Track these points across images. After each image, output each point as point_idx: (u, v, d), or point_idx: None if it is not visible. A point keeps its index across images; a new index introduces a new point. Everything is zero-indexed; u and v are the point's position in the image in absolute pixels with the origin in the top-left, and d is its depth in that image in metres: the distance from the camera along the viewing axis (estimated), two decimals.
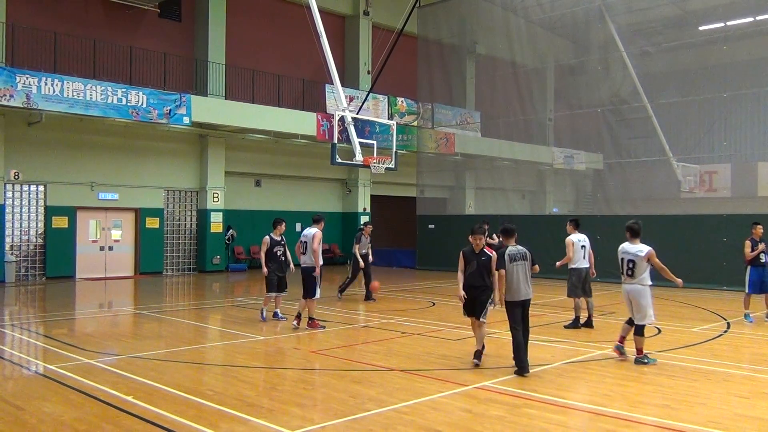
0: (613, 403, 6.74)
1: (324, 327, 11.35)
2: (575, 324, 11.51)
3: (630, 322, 8.86)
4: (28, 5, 20.17)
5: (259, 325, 11.74)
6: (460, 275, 8.51)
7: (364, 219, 27.74)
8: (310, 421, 6.14)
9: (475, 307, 8.41)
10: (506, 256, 8.13)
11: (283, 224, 12.16)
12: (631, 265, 8.70)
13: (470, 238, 8.56)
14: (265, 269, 11.89)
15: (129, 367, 8.29)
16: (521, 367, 7.92)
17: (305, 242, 11.29)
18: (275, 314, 12.20)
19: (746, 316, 12.40)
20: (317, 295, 11.26)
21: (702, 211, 21.67)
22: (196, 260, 23.89)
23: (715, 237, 18.52)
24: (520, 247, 8.29)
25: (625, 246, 8.87)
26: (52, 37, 19.51)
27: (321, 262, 11.33)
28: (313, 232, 11.28)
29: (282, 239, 12.09)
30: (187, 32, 23.87)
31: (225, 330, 11.64)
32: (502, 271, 8.07)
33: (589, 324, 11.56)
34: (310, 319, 11.30)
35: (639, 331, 8.68)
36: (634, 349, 8.72)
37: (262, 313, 12.26)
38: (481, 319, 8.42)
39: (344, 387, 7.40)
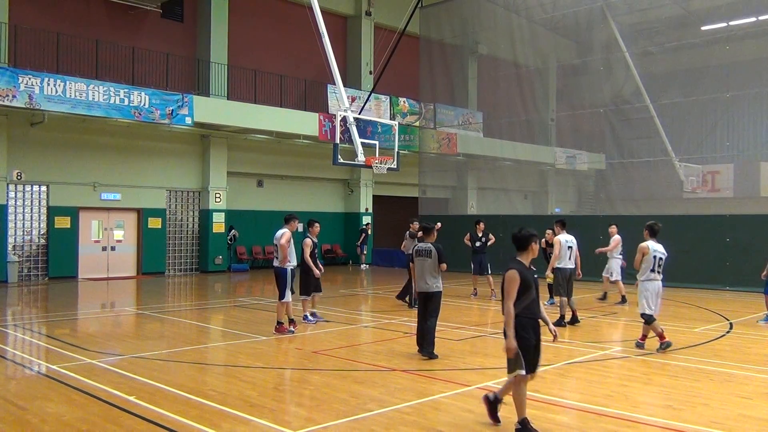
0: (615, 404, 6.73)
1: (293, 332, 10.86)
2: (560, 322, 11.59)
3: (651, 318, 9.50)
4: (30, 6, 20.20)
5: (262, 326, 11.72)
6: (512, 310, 5.63)
7: (366, 219, 27.81)
8: (312, 421, 6.14)
9: (539, 353, 5.83)
10: (413, 251, 8.94)
11: (318, 225, 11.95)
12: (661, 263, 9.42)
13: (532, 245, 5.86)
14: (317, 270, 11.49)
15: (131, 367, 8.30)
16: (422, 349, 8.83)
17: (276, 244, 11.00)
18: (313, 314, 11.98)
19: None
20: (286, 298, 10.90)
21: (704, 211, 21.64)
22: (198, 260, 23.90)
23: (717, 237, 18.50)
24: (429, 245, 9.04)
25: (653, 244, 9.47)
26: (54, 38, 19.53)
27: (293, 262, 11.03)
28: (282, 231, 10.96)
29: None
30: (190, 32, 23.88)
31: (227, 330, 11.64)
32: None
33: (574, 320, 11.64)
34: (279, 323, 10.95)
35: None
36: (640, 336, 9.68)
37: (307, 317, 11.86)
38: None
39: (346, 387, 7.40)
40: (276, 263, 11.04)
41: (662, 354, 9.16)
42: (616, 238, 15.12)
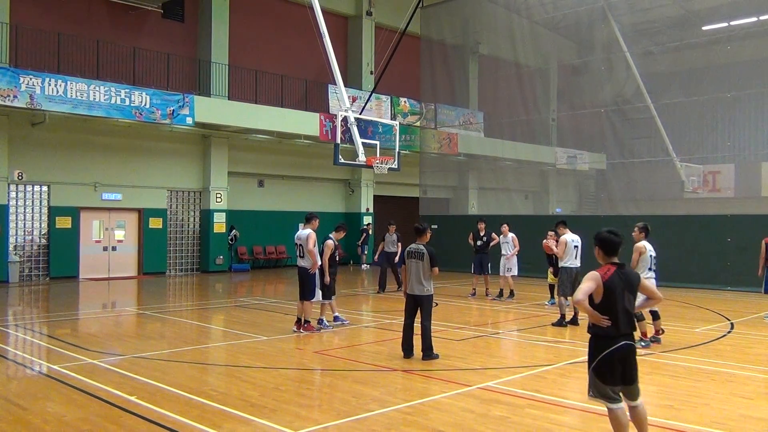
0: None
1: (320, 330, 11.03)
2: (560, 322, 11.63)
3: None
4: (31, 6, 20.20)
5: (263, 326, 11.73)
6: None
7: (366, 219, 27.82)
8: (313, 421, 6.14)
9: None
10: (405, 252, 8.96)
11: (343, 232, 11.81)
12: (655, 261, 9.94)
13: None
14: (327, 277, 11.01)
15: (132, 367, 8.31)
16: (405, 350, 8.85)
17: (300, 244, 10.83)
18: (336, 318, 11.69)
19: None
20: (317, 297, 10.90)
21: (705, 211, 21.64)
22: (199, 260, 23.91)
23: (718, 237, 18.49)
24: (420, 246, 8.84)
25: (649, 244, 9.84)
26: (55, 38, 19.54)
27: (319, 262, 10.86)
28: (307, 233, 10.74)
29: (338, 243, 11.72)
30: (191, 33, 23.89)
31: (228, 330, 11.65)
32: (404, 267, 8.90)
33: (574, 321, 11.68)
34: (306, 321, 10.94)
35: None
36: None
37: (322, 321, 11.32)
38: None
39: (347, 387, 7.41)
40: (305, 264, 10.77)
41: (664, 354, 9.16)
42: (513, 237, 15.69)
